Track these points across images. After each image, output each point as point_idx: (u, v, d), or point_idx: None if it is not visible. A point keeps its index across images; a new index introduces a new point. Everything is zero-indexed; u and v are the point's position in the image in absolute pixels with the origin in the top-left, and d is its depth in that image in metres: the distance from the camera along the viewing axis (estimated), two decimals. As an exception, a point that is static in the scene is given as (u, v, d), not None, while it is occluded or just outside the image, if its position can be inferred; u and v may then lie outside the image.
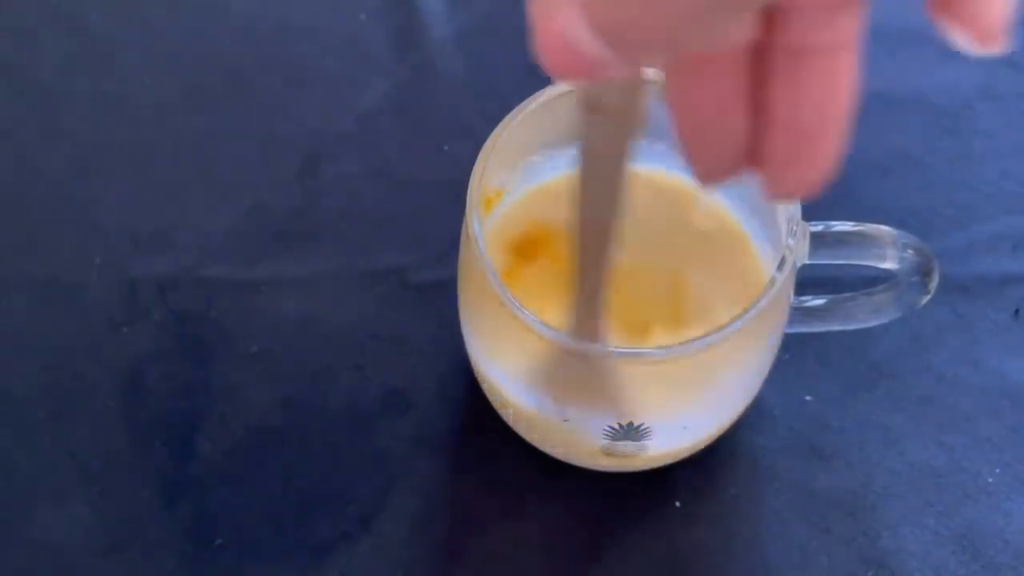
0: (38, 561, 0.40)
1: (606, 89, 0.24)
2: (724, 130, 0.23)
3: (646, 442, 0.37)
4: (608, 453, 0.38)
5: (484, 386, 0.39)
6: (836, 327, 0.39)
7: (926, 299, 0.37)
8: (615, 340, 0.37)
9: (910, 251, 0.36)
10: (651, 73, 0.23)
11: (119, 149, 0.47)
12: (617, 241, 0.29)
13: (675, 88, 0.23)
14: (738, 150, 0.23)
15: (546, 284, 0.38)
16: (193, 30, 0.49)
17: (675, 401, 0.36)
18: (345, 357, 0.43)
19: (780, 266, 0.34)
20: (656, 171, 0.40)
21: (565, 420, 0.36)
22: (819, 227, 0.36)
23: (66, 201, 0.46)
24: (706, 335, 0.33)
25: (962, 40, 0.21)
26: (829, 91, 0.22)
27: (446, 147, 0.47)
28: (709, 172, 0.24)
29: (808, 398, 0.42)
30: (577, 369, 0.34)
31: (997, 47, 0.21)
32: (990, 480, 0.41)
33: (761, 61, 0.22)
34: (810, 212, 0.35)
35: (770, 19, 0.22)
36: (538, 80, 0.36)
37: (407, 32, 0.49)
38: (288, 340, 0.43)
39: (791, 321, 0.38)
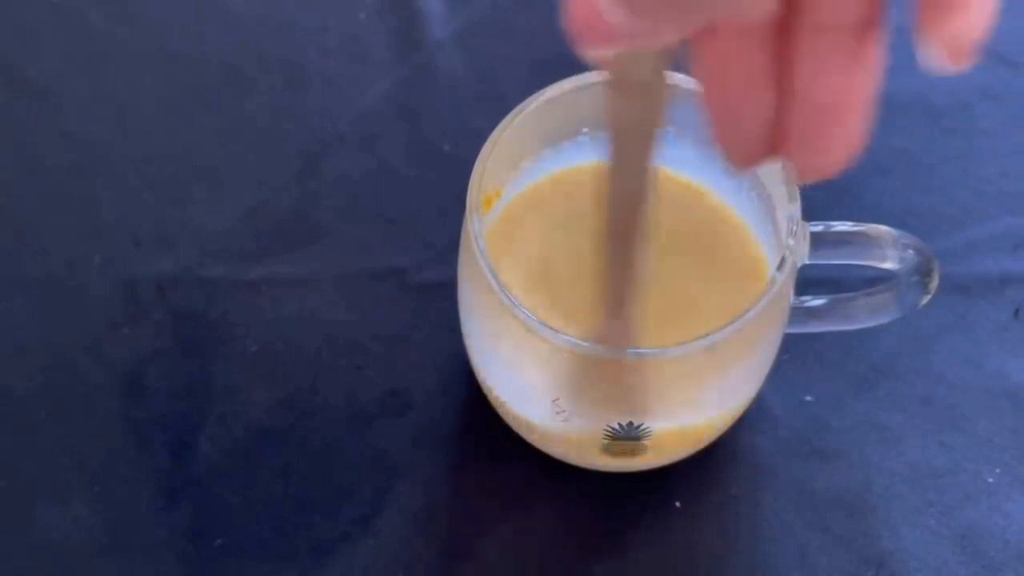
0: (38, 561, 0.40)
1: (632, 64, 0.24)
2: (751, 106, 0.23)
3: (646, 442, 0.37)
4: (608, 453, 0.38)
5: (484, 386, 0.39)
6: (836, 327, 0.39)
7: (926, 299, 0.37)
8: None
9: (910, 251, 0.36)
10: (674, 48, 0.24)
11: (119, 149, 0.47)
12: (646, 234, 0.28)
13: (702, 64, 0.23)
14: (765, 128, 0.24)
15: (546, 283, 0.38)
16: (193, 30, 0.49)
17: (675, 401, 0.36)
18: (345, 357, 0.43)
19: (780, 266, 0.34)
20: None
21: (565, 420, 0.36)
22: (819, 227, 0.36)
23: (66, 201, 0.46)
24: (706, 335, 0.33)
25: (935, 58, 0.22)
26: (853, 68, 0.22)
27: (446, 147, 0.47)
28: (739, 154, 0.24)
29: (808, 398, 0.42)
30: (581, 369, 0.34)
31: (964, 67, 0.22)
32: (990, 480, 0.41)
33: (787, 38, 0.23)
34: (810, 212, 0.35)
35: None
36: (538, 80, 0.36)
37: (407, 32, 0.49)
38: (288, 340, 0.43)
39: (791, 321, 0.38)
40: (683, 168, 0.39)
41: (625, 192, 0.27)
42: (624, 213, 0.28)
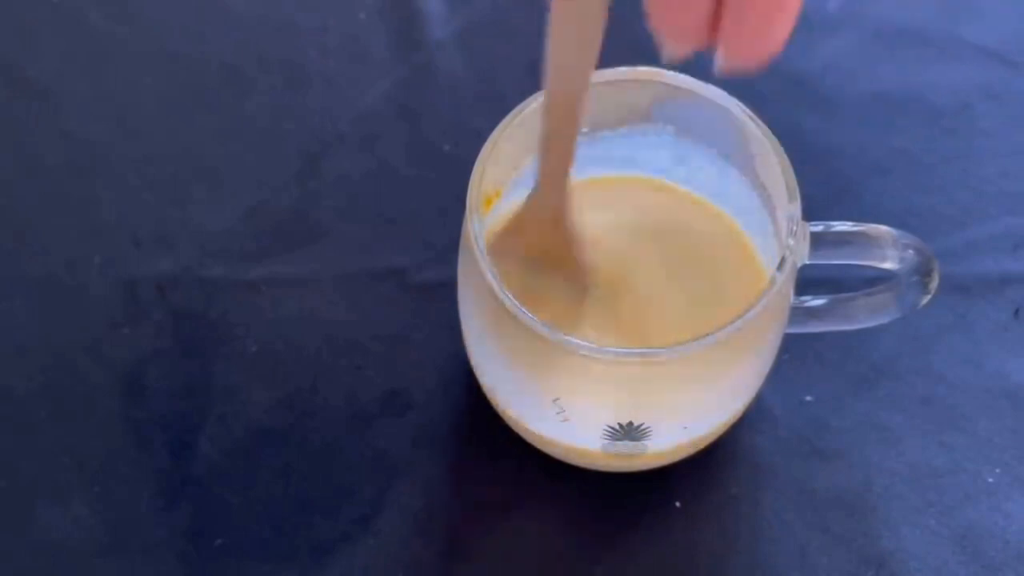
0: (38, 561, 0.40)
1: None
2: (690, 4, 0.26)
3: (646, 442, 0.37)
4: (608, 453, 0.38)
5: (484, 386, 0.39)
6: (836, 327, 0.39)
7: (926, 299, 0.37)
8: (615, 341, 0.37)
9: (910, 251, 0.36)
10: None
11: (119, 149, 0.47)
12: (585, 111, 0.30)
13: None
14: (701, 21, 0.26)
15: (546, 283, 0.38)
16: (193, 30, 0.49)
17: (675, 401, 0.36)
18: (345, 357, 0.43)
19: (780, 266, 0.34)
20: (656, 174, 0.40)
21: (565, 420, 0.36)
22: (819, 227, 0.36)
23: (66, 201, 0.46)
24: (706, 335, 0.33)
25: (726, 64, 0.26)
26: None
27: (446, 147, 0.47)
28: (675, 39, 0.27)
29: (808, 398, 0.42)
30: (580, 369, 0.34)
31: (752, 72, 0.26)
32: (990, 480, 0.41)
33: None
34: (810, 212, 0.35)
35: None
36: (538, 80, 0.36)
37: (407, 32, 0.49)
38: (288, 340, 0.43)
39: (791, 321, 0.38)
40: (682, 168, 0.39)
41: (568, 70, 0.30)
42: (565, 89, 0.30)
